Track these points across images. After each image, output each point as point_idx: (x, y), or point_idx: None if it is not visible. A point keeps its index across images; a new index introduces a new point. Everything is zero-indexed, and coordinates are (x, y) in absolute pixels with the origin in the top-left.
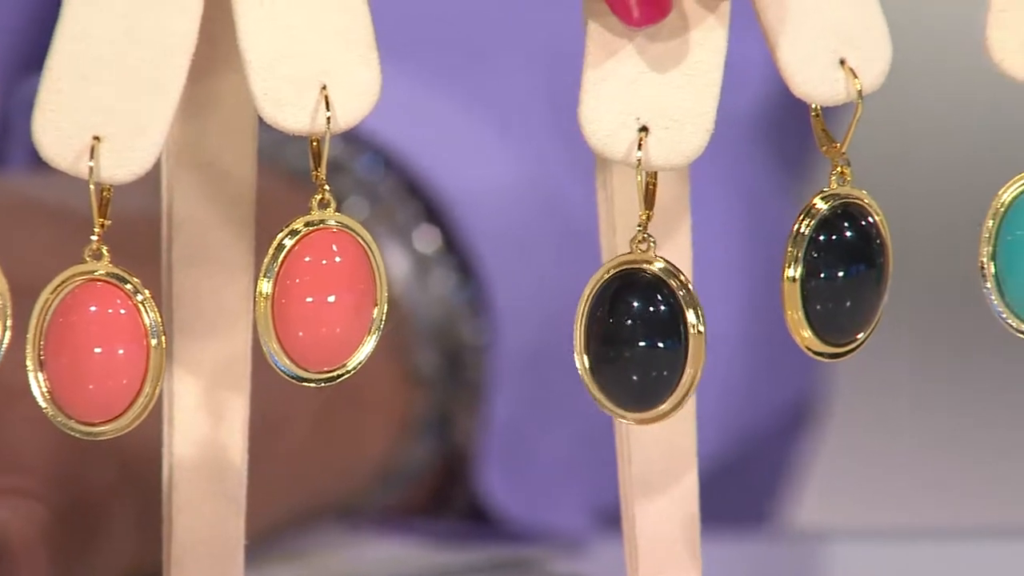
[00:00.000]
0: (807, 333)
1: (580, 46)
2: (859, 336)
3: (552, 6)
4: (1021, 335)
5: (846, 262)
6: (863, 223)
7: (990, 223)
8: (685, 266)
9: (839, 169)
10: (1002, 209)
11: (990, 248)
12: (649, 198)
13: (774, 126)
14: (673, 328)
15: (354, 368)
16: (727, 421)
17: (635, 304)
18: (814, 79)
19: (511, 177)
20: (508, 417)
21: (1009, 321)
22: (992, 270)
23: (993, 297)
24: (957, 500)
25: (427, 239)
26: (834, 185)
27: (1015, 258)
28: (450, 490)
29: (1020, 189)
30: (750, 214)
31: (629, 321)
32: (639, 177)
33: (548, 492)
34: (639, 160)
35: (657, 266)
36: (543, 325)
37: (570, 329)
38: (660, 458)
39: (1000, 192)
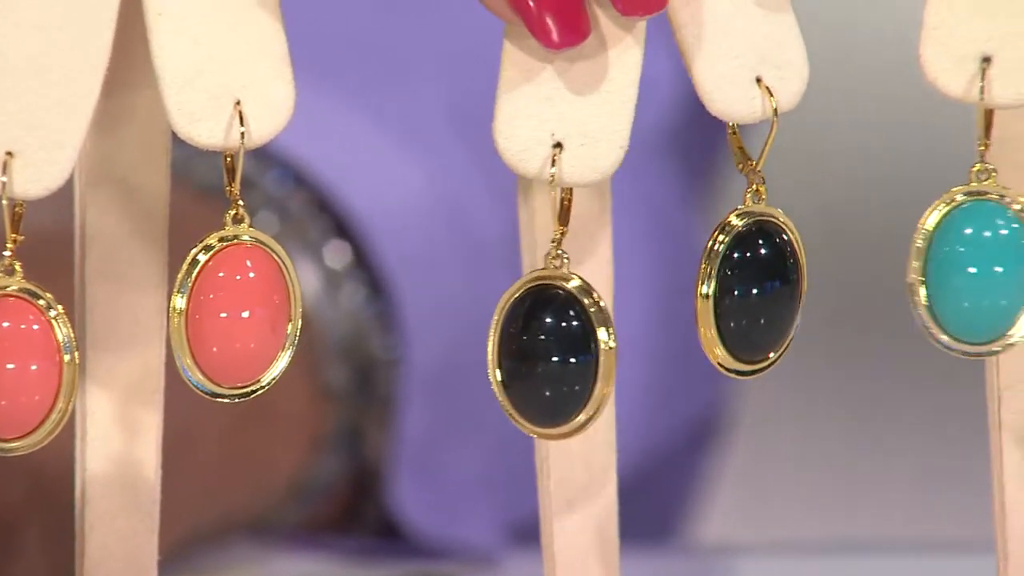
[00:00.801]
0: (720, 351)
1: (489, 63)
2: (772, 354)
3: (461, 24)
4: (950, 351)
5: (760, 280)
6: (777, 241)
7: (919, 240)
8: (605, 281)
9: (754, 187)
10: (932, 227)
11: (919, 264)
12: (564, 214)
13: (681, 141)
14: (585, 344)
15: (268, 383)
16: (634, 437)
17: (548, 320)
18: (730, 97)
19: (420, 193)
20: (419, 432)
21: (939, 339)
22: (923, 291)
23: (922, 313)
24: (861, 515)
25: (337, 254)
26: (749, 203)
27: (945, 275)
28: (361, 506)
29: (949, 206)
30: (657, 228)
31: (542, 337)
32: (553, 193)
33: (459, 507)
34: (552, 176)
35: (572, 284)
36: (453, 340)
37: (480, 344)
38: (580, 474)
39: (928, 210)
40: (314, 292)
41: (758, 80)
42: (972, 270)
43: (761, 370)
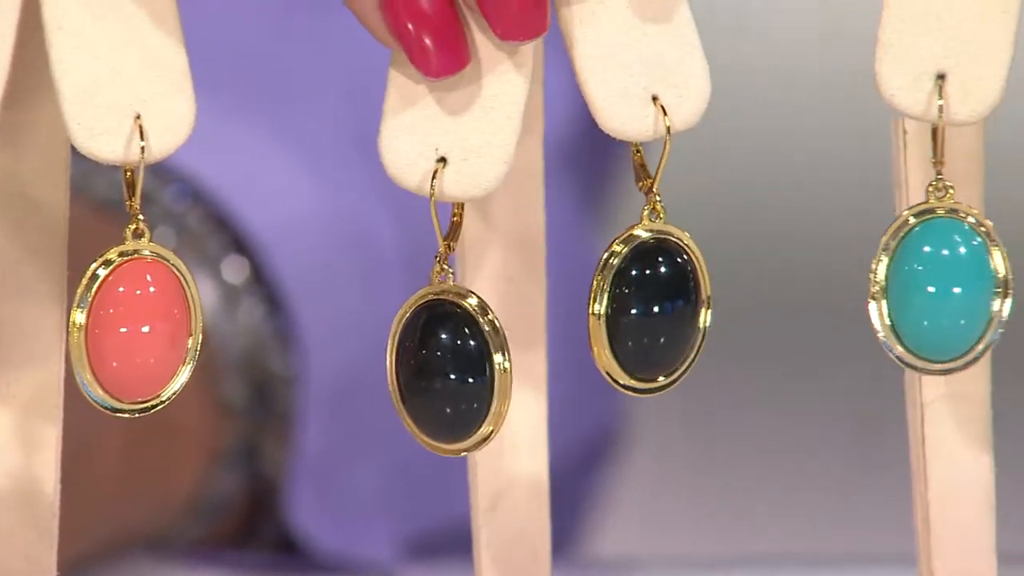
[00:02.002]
0: (614, 368)
1: (384, 77)
2: (671, 373)
3: (358, 41)
4: (912, 368)
5: (660, 298)
6: (678, 259)
7: (881, 256)
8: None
9: (652, 204)
10: (894, 244)
11: (881, 281)
12: (453, 230)
13: (577, 157)
14: (480, 364)
15: (168, 398)
16: None
17: (444, 337)
18: (623, 115)
19: (318, 209)
20: (317, 448)
21: (900, 356)
22: (883, 309)
23: (882, 331)
24: (763, 530)
25: (235, 270)
26: (647, 221)
27: (902, 292)
28: (259, 521)
29: (908, 225)
30: (553, 245)
31: (439, 353)
32: (433, 209)
33: (357, 523)
34: (433, 191)
35: (469, 301)
36: (351, 356)
37: (378, 361)
38: (508, 483)
39: (890, 227)
40: (212, 307)
41: (654, 98)
42: (931, 289)
43: (660, 388)
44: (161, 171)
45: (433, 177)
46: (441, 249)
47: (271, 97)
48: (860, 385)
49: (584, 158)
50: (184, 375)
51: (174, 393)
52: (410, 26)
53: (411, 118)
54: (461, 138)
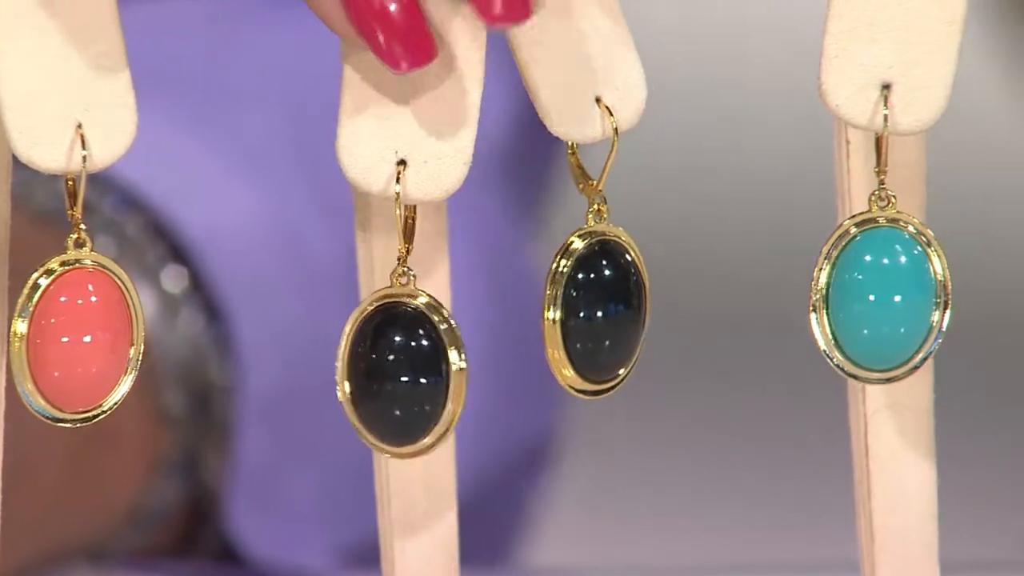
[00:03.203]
0: (568, 372)
1: (325, 88)
2: (620, 373)
3: (298, 48)
4: (853, 378)
5: (605, 301)
6: (621, 261)
7: (823, 264)
8: (444, 299)
9: (596, 206)
10: (835, 253)
11: (821, 290)
12: (408, 232)
13: (514, 164)
14: (435, 364)
15: (110, 408)
16: (468, 462)
17: (397, 339)
18: (571, 117)
19: (257, 218)
20: (256, 457)
21: (840, 365)
22: (823, 318)
23: (823, 340)
24: (698, 536)
25: (175, 279)
26: (591, 223)
27: (842, 300)
28: (199, 530)
29: (850, 234)
30: (491, 252)
31: (391, 356)
32: (398, 211)
33: (297, 532)
34: (397, 193)
35: (420, 300)
36: (291, 365)
37: (318, 369)
38: (421, 498)
39: (831, 236)
40: (152, 317)
41: (597, 100)
42: (871, 298)
43: (608, 390)
44: (101, 180)
45: (397, 180)
46: (402, 251)
47: (211, 107)
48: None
49: (521, 166)
50: (126, 384)
51: (116, 403)
52: (373, 21)
53: (369, 122)
54: (420, 140)
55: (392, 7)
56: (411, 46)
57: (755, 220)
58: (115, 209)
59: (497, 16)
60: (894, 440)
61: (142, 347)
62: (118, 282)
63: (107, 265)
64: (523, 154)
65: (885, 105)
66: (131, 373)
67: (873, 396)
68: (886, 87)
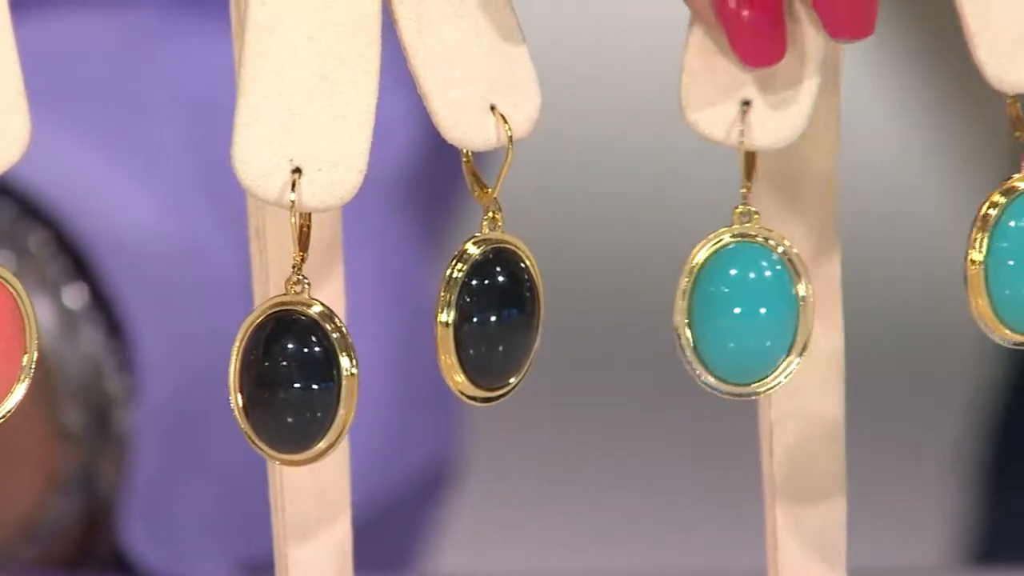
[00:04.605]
0: (460, 378)
1: (226, 102)
2: (511, 380)
3: (204, 63)
4: (716, 391)
5: (498, 307)
6: (515, 268)
7: (685, 280)
8: (339, 309)
9: (491, 214)
10: (697, 267)
11: (685, 305)
12: (303, 240)
13: (417, 183)
14: (326, 370)
15: (4, 416)
16: (364, 481)
17: (290, 346)
18: (466, 125)
19: (157, 231)
20: (153, 470)
21: (705, 379)
22: (687, 332)
23: (687, 354)
24: (602, 547)
25: (74, 294)
26: (486, 230)
27: (710, 316)
28: (94, 543)
29: (714, 248)
30: (392, 270)
31: (284, 363)
32: (293, 219)
33: (192, 545)
34: (292, 202)
35: (314, 309)
36: (191, 377)
37: (216, 384)
38: (314, 506)
39: (694, 250)
40: (51, 332)
41: (492, 108)
42: (737, 311)
43: (500, 396)
44: (1, 193)
45: (292, 188)
46: (297, 259)
47: (116, 120)
48: (705, 399)
49: (427, 186)
50: (19, 392)
51: (9, 411)
52: (733, 6)
53: (263, 130)
54: (314, 148)
55: (755, 2)
56: (761, 45)
57: (655, 225)
58: (14, 221)
59: (836, 31)
60: (800, 447)
61: (35, 355)
62: (12, 290)
63: (0, 274)
64: (428, 174)
65: (742, 121)
66: (24, 381)
67: (778, 403)
68: (746, 103)
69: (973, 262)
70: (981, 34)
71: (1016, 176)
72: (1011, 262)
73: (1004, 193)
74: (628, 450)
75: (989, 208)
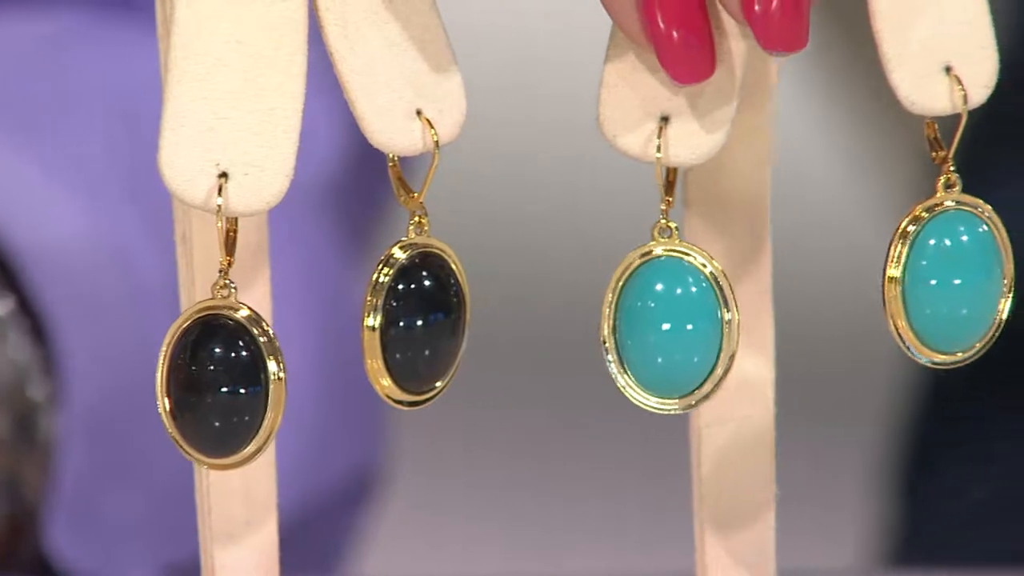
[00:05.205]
0: (387, 382)
1: (156, 107)
2: (438, 384)
3: (129, 69)
4: (644, 406)
5: (425, 311)
6: (441, 272)
7: (610, 295)
8: (265, 314)
9: (417, 219)
10: (622, 281)
11: (611, 318)
12: (229, 245)
13: (341, 192)
14: (254, 375)
15: None
16: (290, 485)
17: (217, 351)
18: (391, 130)
19: (84, 238)
20: (78, 476)
21: (632, 393)
22: (615, 346)
23: (615, 367)
24: (528, 550)
25: (0, 301)
26: (412, 235)
27: (638, 331)
28: (18, 548)
29: (641, 261)
30: (316, 279)
31: (211, 367)
32: (219, 224)
33: (117, 550)
34: (219, 206)
35: (241, 314)
36: (117, 383)
37: (143, 387)
38: (240, 510)
39: (621, 264)
40: None
41: (419, 113)
42: (666, 327)
43: (426, 401)
44: None
45: (219, 192)
46: (223, 263)
47: (40, 127)
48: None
49: (349, 192)
50: None
51: None
52: (663, 26)
53: (189, 134)
54: (241, 152)
55: (681, 20)
56: (690, 62)
57: (581, 231)
58: None
59: (773, 43)
60: (729, 452)
61: None
62: None
63: None
64: (353, 178)
65: (659, 136)
66: None
67: (707, 409)
68: (664, 119)
69: (891, 279)
70: (896, 58)
71: (932, 197)
72: (933, 282)
73: (927, 209)
74: (554, 455)
75: (910, 223)
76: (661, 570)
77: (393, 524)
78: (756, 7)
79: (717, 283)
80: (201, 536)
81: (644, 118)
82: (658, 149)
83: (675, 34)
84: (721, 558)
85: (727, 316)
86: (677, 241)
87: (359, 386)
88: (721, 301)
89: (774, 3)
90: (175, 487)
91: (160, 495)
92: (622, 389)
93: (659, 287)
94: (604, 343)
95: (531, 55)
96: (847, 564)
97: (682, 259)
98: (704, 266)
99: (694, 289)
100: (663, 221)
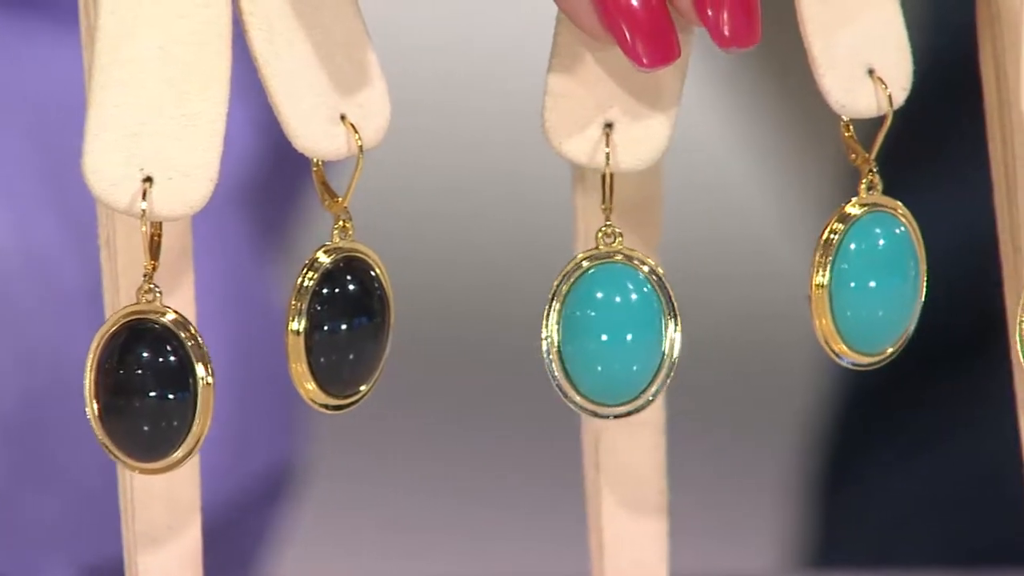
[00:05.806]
0: (311, 386)
1: (77, 111)
2: (362, 388)
3: (49, 72)
4: (583, 411)
5: (349, 315)
6: (365, 277)
7: (552, 301)
8: (190, 316)
9: (341, 223)
10: (565, 289)
11: (553, 325)
12: (154, 249)
13: (259, 193)
14: (183, 379)
15: None
16: (205, 486)
17: (144, 355)
18: (313, 134)
19: (3, 240)
20: None
21: (572, 399)
22: (556, 353)
23: (556, 375)
24: (440, 551)
25: None
26: (336, 239)
27: (578, 340)
28: None
29: (582, 268)
30: (232, 281)
31: (139, 371)
32: (144, 228)
33: (36, 555)
34: (144, 211)
35: (167, 318)
36: (36, 389)
37: (64, 392)
38: (164, 513)
39: (560, 273)
40: None
41: (343, 117)
42: (604, 337)
43: (351, 404)
44: None
45: (143, 197)
46: (148, 267)
47: None
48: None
49: (269, 195)
50: None
51: None
52: (620, 19)
53: (114, 138)
54: (165, 157)
55: (640, 6)
56: (655, 45)
57: (510, 237)
58: None
59: (727, 40)
60: (624, 455)
61: None
62: None
63: None
64: (273, 182)
65: (607, 144)
66: None
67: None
68: (608, 126)
69: (819, 286)
70: (826, 63)
71: (853, 200)
72: (852, 284)
73: (841, 220)
74: (474, 459)
75: (830, 234)
76: (560, 573)
77: (309, 525)
78: (708, 11)
79: (662, 288)
80: (125, 540)
81: (589, 125)
82: (608, 157)
83: (638, 15)
84: (617, 559)
85: (669, 323)
86: (621, 246)
87: (273, 385)
88: (666, 307)
89: (727, 3)
90: (94, 491)
91: (79, 499)
92: (561, 395)
93: (599, 295)
94: (546, 351)
95: (460, 56)
96: (764, 568)
97: (623, 264)
98: (649, 272)
99: (635, 296)
100: (607, 226)
